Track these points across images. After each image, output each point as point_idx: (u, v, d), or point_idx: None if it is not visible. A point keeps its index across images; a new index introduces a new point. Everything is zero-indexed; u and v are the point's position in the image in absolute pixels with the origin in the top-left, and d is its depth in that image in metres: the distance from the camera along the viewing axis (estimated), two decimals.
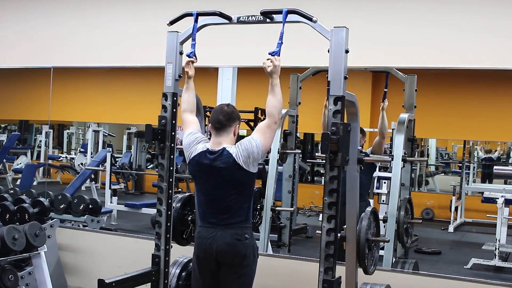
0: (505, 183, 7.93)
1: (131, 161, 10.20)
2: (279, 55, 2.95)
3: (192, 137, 3.10)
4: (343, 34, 2.85)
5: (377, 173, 5.43)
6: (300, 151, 6.00)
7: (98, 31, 5.22)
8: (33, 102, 7.82)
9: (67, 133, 10.83)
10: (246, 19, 3.16)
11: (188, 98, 3.23)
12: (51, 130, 10.03)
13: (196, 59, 3.18)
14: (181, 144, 3.17)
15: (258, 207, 4.24)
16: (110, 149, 9.43)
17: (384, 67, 4.87)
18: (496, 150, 10.08)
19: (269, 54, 2.95)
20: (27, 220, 4.61)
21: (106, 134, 10.05)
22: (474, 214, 8.03)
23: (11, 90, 7.67)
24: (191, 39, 3.19)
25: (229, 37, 4.32)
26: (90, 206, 6.09)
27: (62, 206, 6.05)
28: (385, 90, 5.03)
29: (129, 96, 7.36)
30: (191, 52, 3.17)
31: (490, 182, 9.28)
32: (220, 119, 3.01)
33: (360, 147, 4.60)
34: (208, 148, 3.01)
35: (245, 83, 5.07)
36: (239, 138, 3.07)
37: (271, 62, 2.93)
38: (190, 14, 3.19)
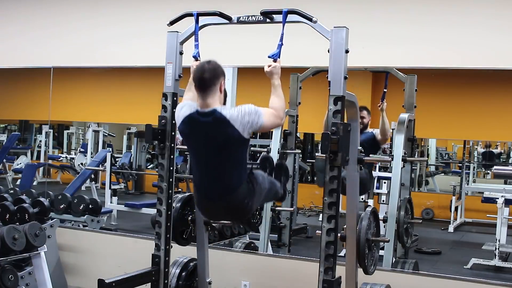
0: (505, 183, 7.92)
1: (131, 161, 10.18)
2: (279, 57, 2.95)
3: (184, 103, 3.03)
4: (343, 34, 2.85)
5: (377, 173, 5.43)
6: (300, 151, 6.00)
7: (98, 31, 5.22)
8: (33, 102, 7.80)
9: (67, 133, 10.82)
10: (246, 19, 3.17)
11: (194, 95, 3.16)
12: (51, 130, 10.01)
13: (200, 59, 3.18)
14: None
15: (258, 207, 4.23)
16: (110, 149, 9.42)
17: (384, 67, 4.87)
18: (497, 146, 10.04)
19: (268, 57, 2.95)
20: (27, 220, 4.61)
21: (106, 134, 10.03)
22: (474, 214, 8.01)
23: (11, 90, 7.66)
24: (194, 39, 3.19)
25: (229, 37, 4.32)
26: (90, 206, 6.10)
27: (62, 206, 6.05)
28: (384, 90, 5.03)
29: (129, 96, 7.34)
30: (196, 53, 3.17)
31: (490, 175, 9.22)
32: (203, 78, 2.84)
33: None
34: (197, 109, 2.90)
35: (245, 83, 5.06)
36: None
37: (269, 65, 2.93)
38: (190, 14, 3.20)
